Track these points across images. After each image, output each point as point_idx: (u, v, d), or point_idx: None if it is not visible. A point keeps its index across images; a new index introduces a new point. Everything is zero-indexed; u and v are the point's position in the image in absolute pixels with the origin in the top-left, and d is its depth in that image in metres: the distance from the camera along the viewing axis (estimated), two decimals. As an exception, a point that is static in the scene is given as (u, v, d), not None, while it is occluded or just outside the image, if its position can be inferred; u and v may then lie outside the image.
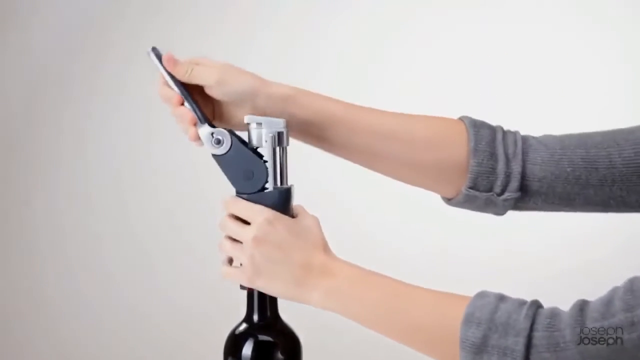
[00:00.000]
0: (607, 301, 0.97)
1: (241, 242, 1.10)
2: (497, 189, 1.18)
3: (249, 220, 1.10)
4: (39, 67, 2.67)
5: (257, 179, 1.11)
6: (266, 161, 1.11)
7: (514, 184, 1.18)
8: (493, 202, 1.19)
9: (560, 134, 1.21)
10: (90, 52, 2.66)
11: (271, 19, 2.60)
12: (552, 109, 2.43)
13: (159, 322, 2.62)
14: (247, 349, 1.12)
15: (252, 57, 2.58)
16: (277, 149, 1.12)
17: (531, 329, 0.98)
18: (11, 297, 2.68)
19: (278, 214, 1.10)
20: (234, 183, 1.12)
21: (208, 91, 1.14)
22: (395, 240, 2.50)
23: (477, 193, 1.19)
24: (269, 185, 1.11)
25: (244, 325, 1.13)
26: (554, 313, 0.99)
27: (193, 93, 1.14)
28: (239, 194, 1.12)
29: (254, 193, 1.11)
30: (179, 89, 1.14)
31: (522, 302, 1.01)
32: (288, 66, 2.57)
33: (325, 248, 1.10)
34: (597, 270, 2.38)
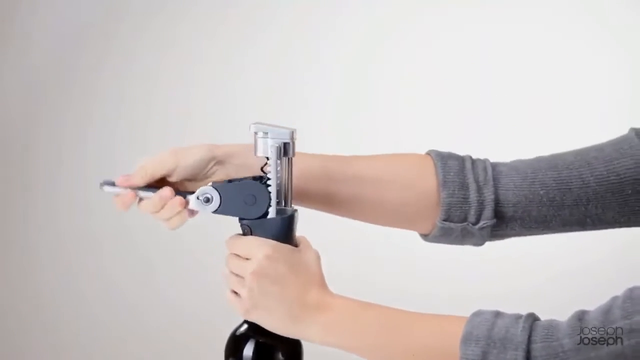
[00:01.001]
0: (606, 310, 0.98)
1: (243, 277, 1.10)
2: (472, 218, 1.18)
3: (248, 257, 1.09)
4: (39, 68, 2.67)
5: (260, 202, 1.10)
6: (268, 179, 1.10)
7: (488, 211, 1.18)
8: (470, 232, 1.19)
9: (531, 158, 1.21)
10: (90, 54, 2.66)
11: (271, 19, 2.60)
12: (551, 109, 2.43)
13: (159, 323, 2.62)
14: (248, 350, 1.12)
15: (252, 57, 2.58)
16: (283, 159, 1.10)
17: (529, 341, 0.99)
18: (10, 299, 2.68)
19: (278, 246, 1.09)
20: (239, 214, 1.11)
21: (173, 178, 1.14)
22: (395, 245, 2.50)
23: (452, 225, 1.18)
24: (272, 209, 1.10)
25: (244, 327, 1.13)
26: (551, 324, 1.00)
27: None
28: (241, 220, 1.11)
29: (257, 219, 1.10)
30: (150, 192, 1.13)
31: (518, 317, 1.02)
32: (288, 66, 2.57)
33: (321, 284, 1.10)
34: (595, 271, 2.38)
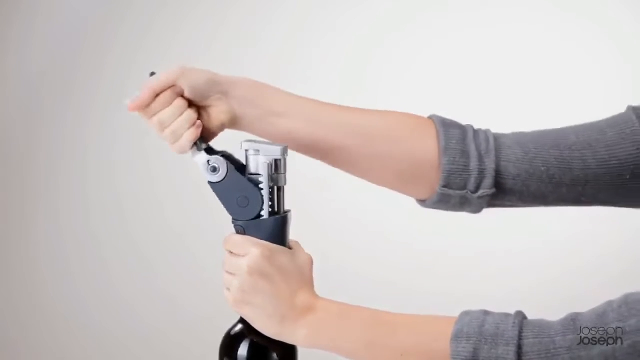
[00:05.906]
0: (601, 313, 0.98)
1: (237, 273, 1.10)
2: (471, 187, 1.18)
3: (243, 254, 1.10)
4: (39, 68, 2.67)
5: (252, 207, 1.11)
6: (262, 189, 1.11)
7: (488, 180, 1.18)
8: (468, 201, 1.19)
9: (532, 131, 1.22)
10: (90, 54, 2.66)
11: (271, 19, 2.61)
12: (550, 109, 2.43)
13: (156, 323, 2.62)
14: (243, 350, 1.12)
15: (252, 57, 2.58)
16: (274, 176, 1.12)
17: (520, 336, 0.99)
18: (10, 299, 2.68)
19: (273, 247, 1.10)
20: (229, 210, 1.12)
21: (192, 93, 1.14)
22: (394, 243, 2.50)
23: (451, 191, 1.19)
24: (265, 213, 1.11)
25: (239, 326, 1.14)
26: (542, 322, 1.00)
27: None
28: (234, 220, 1.12)
29: (250, 220, 1.11)
30: None
31: (507, 314, 1.02)
32: (288, 66, 2.57)
33: (311, 288, 1.11)
34: (593, 271, 2.38)
